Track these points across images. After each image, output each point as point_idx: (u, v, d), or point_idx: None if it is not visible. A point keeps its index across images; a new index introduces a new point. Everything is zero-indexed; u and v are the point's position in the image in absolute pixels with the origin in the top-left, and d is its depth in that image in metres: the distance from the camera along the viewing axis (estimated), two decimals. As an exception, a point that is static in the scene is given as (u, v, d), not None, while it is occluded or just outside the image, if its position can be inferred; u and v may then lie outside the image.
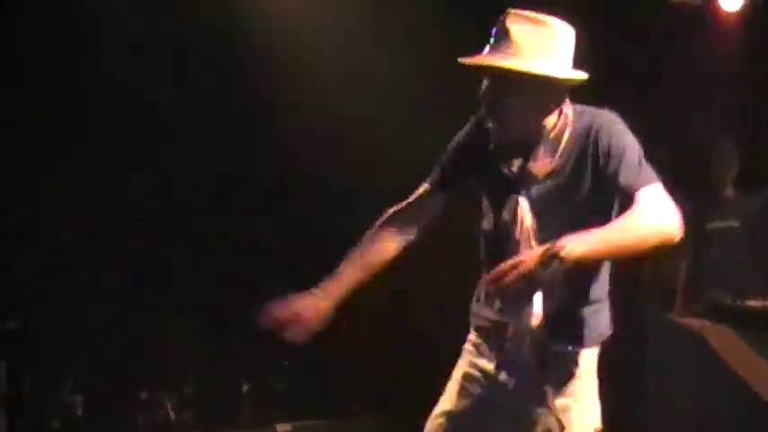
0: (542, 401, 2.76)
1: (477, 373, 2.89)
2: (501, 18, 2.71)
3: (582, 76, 2.73)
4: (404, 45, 5.96)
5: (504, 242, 2.76)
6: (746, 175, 5.92)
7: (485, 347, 2.88)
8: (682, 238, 2.62)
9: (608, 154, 2.67)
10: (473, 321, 2.95)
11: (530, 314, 2.70)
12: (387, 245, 2.91)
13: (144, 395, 5.86)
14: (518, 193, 2.76)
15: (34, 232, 5.60)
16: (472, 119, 2.91)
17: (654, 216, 2.56)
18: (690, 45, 6.55)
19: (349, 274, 2.86)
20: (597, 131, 2.71)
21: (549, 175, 2.75)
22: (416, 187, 2.98)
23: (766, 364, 4.75)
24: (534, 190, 2.75)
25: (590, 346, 2.83)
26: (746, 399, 4.73)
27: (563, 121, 2.76)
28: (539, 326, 2.71)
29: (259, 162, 6.36)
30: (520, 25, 2.66)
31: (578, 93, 2.80)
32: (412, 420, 3.14)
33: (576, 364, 2.79)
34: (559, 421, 2.75)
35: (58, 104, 5.51)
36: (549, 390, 2.76)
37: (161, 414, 5.86)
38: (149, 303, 5.84)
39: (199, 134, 6.03)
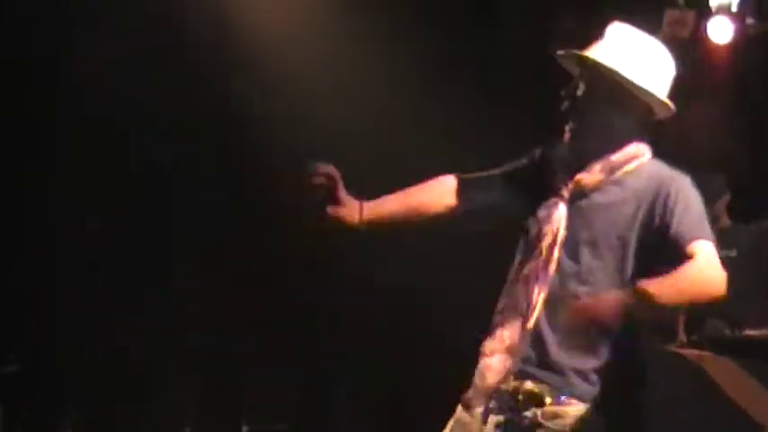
0: None
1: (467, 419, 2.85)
2: (614, 26, 2.78)
3: (670, 109, 2.80)
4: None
5: (533, 247, 2.77)
6: (742, 205, 5.94)
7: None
8: None
9: (674, 206, 2.72)
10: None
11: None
12: (433, 199, 2.95)
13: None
14: (561, 197, 2.77)
15: (34, 281, 5.61)
16: (537, 150, 2.95)
17: (713, 272, 2.66)
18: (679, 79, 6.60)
19: (390, 203, 2.92)
20: (670, 186, 2.76)
21: (595, 190, 2.76)
22: None
23: (767, 393, 4.73)
24: (578, 200, 2.77)
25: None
26: (748, 429, 4.71)
27: (633, 153, 2.79)
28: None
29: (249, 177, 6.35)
30: (619, 34, 2.74)
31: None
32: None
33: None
34: None
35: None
36: None
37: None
38: (149, 348, 5.82)
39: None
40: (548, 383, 2.70)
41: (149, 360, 5.88)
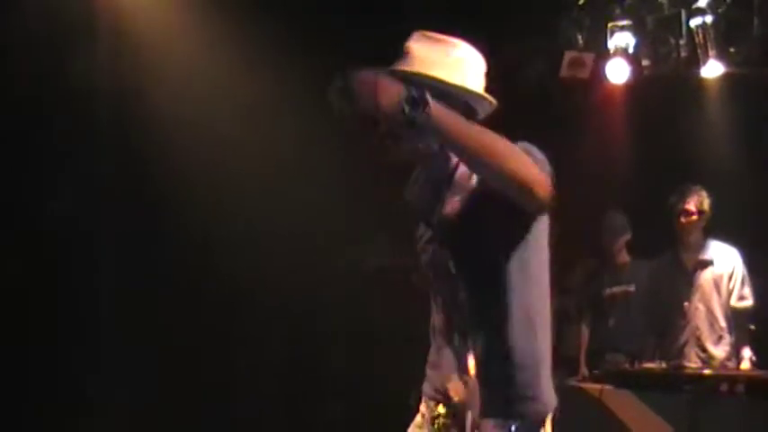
0: None
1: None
2: (415, 37, 2.63)
3: (492, 103, 2.63)
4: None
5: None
6: (642, 242, 6.09)
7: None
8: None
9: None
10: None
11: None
12: None
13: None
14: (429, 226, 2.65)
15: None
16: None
17: (516, 152, 2.38)
18: (578, 118, 6.77)
19: None
20: None
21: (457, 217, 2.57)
22: None
23: (665, 425, 4.83)
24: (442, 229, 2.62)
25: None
26: (648, 461, 4.81)
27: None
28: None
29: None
30: (421, 43, 2.61)
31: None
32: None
33: None
34: None
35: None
36: None
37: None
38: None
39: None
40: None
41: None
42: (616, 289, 6.07)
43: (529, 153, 2.44)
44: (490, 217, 2.49)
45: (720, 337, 5.60)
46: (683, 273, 5.69)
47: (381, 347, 6.68)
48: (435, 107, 2.29)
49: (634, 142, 7.08)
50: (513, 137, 2.43)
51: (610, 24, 6.09)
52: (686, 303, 5.63)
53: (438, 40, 2.62)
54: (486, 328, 2.55)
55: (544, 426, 2.56)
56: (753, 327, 5.59)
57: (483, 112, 2.67)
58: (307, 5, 6.00)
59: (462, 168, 2.58)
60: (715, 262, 5.63)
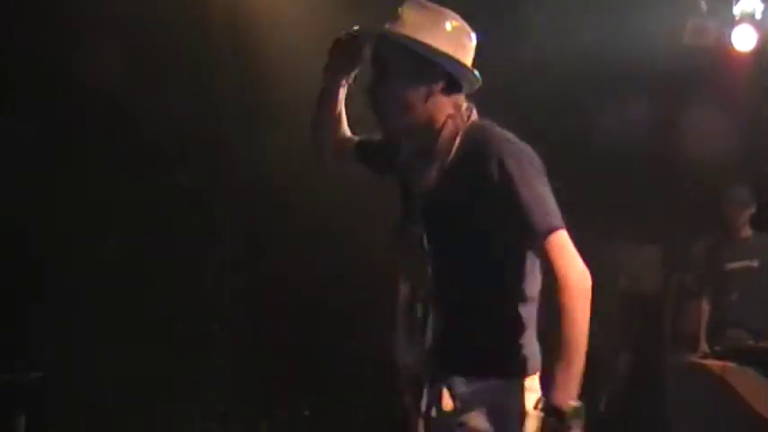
0: None
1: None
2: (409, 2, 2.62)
3: (477, 79, 2.60)
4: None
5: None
6: (762, 216, 5.92)
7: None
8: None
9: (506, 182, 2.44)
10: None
11: None
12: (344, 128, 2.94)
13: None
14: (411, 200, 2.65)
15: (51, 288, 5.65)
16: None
17: (580, 310, 2.36)
18: (704, 87, 6.58)
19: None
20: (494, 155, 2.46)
21: (434, 191, 2.57)
22: None
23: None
24: (421, 202, 2.60)
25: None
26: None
27: (452, 127, 2.57)
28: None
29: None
30: (413, 9, 2.58)
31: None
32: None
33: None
34: None
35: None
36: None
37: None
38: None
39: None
40: None
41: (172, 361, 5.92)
42: (737, 264, 5.92)
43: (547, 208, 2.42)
44: (483, 216, 2.49)
45: None
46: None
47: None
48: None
49: (760, 112, 6.87)
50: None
51: (736, -10, 5.94)
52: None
53: (431, 9, 2.60)
54: (456, 294, 2.57)
55: (521, 387, 2.52)
56: None
57: (469, 88, 2.62)
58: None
59: (443, 137, 2.56)
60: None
